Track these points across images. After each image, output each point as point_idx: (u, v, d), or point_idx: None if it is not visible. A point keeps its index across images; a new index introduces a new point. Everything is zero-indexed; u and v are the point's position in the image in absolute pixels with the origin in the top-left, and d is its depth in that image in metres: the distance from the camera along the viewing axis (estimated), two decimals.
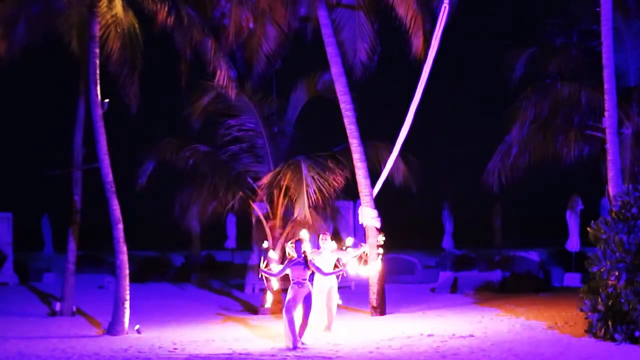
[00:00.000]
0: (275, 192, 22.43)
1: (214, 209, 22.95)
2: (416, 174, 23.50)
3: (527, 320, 19.43)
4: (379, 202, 21.70)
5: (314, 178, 21.37)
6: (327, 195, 21.55)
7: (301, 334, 16.75)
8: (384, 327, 18.96)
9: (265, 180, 22.18)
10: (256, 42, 22.95)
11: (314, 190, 21.24)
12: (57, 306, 22.25)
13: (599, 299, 16.38)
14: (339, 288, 19.04)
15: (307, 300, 16.74)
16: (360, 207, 21.68)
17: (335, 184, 21.72)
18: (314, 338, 17.24)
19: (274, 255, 18.20)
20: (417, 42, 21.58)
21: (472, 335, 17.51)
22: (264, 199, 22.63)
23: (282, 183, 21.92)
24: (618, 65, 21.05)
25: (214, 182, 22.59)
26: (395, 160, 21.90)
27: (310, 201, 21.22)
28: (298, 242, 17.05)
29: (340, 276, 18.44)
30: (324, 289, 18.48)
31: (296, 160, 21.99)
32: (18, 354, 16.51)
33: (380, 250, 19.81)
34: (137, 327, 19.03)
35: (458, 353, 15.72)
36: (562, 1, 23.43)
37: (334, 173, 21.83)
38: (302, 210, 21.18)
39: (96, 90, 19.19)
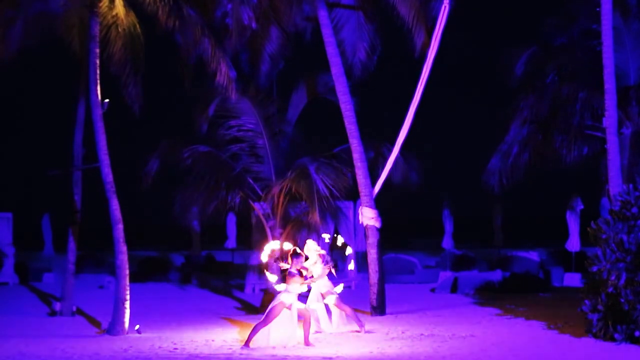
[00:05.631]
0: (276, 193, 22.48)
1: (214, 209, 22.98)
2: (416, 173, 23.53)
3: (527, 320, 19.43)
4: (379, 202, 21.72)
5: (322, 181, 21.45)
6: (336, 196, 21.65)
7: (306, 335, 16.82)
8: (384, 327, 18.96)
9: (277, 189, 22.20)
10: (260, 43, 22.98)
11: (325, 193, 21.33)
12: (57, 306, 22.24)
13: (599, 299, 16.38)
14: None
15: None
16: (360, 207, 21.70)
17: (343, 184, 21.79)
18: (315, 338, 17.26)
19: (273, 278, 17.91)
20: (421, 40, 21.59)
21: (472, 335, 17.50)
22: (266, 199, 22.67)
23: (292, 189, 21.99)
24: (618, 64, 21.05)
25: (214, 182, 22.62)
26: (395, 160, 21.91)
27: (321, 205, 21.32)
28: (297, 257, 17.23)
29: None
30: (319, 295, 18.48)
31: (302, 162, 22.05)
32: (18, 353, 16.50)
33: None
34: (137, 327, 19.02)
35: (458, 353, 15.71)
36: (561, 0, 23.43)
37: (341, 173, 21.90)
38: (313, 215, 21.29)
39: (96, 90, 19.18)
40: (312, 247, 18.36)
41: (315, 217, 21.41)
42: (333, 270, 18.56)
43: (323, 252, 18.49)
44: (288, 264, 17.29)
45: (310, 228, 21.41)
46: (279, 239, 22.44)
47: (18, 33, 19.97)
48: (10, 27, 19.90)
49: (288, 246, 17.93)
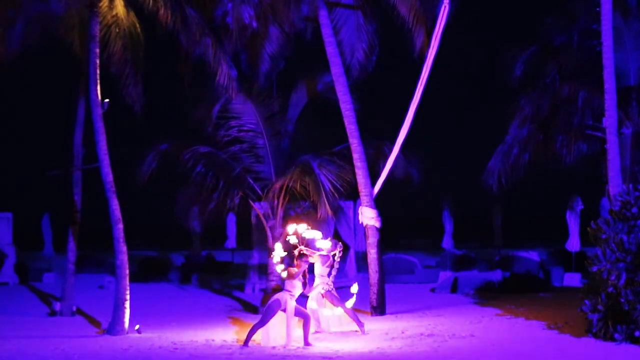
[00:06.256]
0: (276, 192, 22.48)
1: (214, 209, 22.99)
2: (417, 173, 23.55)
3: (527, 320, 19.43)
4: (379, 202, 21.72)
5: (326, 176, 21.50)
6: (340, 191, 21.70)
7: (306, 335, 16.83)
8: (384, 327, 18.96)
9: (278, 185, 22.21)
10: (259, 43, 22.98)
11: (330, 188, 21.38)
12: (57, 306, 22.25)
13: (599, 299, 16.38)
14: (338, 288, 19.01)
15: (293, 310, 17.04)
16: (360, 207, 21.70)
17: (346, 180, 21.85)
18: (315, 338, 17.25)
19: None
20: (420, 40, 21.59)
21: (472, 335, 17.50)
22: (267, 197, 22.69)
23: (295, 187, 21.99)
24: (618, 65, 21.05)
25: (214, 182, 22.63)
26: (396, 160, 21.91)
27: (328, 199, 21.36)
28: (301, 258, 17.21)
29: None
30: (319, 295, 18.48)
31: (304, 159, 22.09)
32: (18, 353, 16.50)
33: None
34: (137, 327, 19.03)
35: (458, 353, 15.72)
36: (561, 0, 23.44)
37: (343, 170, 21.94)
38: (324, 209, 21.29)
39: (96, 90, 19.19)
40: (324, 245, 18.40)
41: (328, 210, 21.43)
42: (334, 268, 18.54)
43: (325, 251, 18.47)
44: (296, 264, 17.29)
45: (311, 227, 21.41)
46: (278, 239, 22.52)
47: (18, 33, 20.00)
48: (11, 27, 19.92)
49: (294, 240, 17.89)
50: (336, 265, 18.52)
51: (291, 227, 18.05)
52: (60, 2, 20.34)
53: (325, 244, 18.41)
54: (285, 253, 17.67)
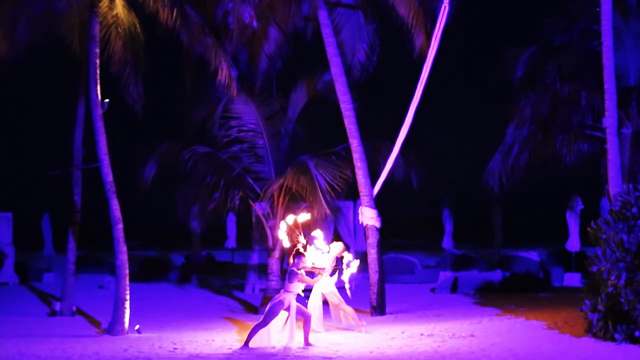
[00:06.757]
0: (275, 192, 22.48)
1: (214, 209, 23.00)
2: (417, 173, 23.56)
3: (527, 320, 19.42)
4: (379, 202, 21.73)
5: (323, 176, 21.51)
6: (337, 191, 21.70)
7: (306, 335, 16.81)
8: (384, 327, 18.96)
9: (276, 186, 22.22)
10: (258, 43, 22.98)
11: (326, 187, 21.39)
12: (57, 306, 22.26)
13: (599, 299, 16.37)
14: (340, 288, 19.01)
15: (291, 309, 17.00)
16: (360, 207, 21.70)
17: (343, 179, 21.85)
18: (315, 338, 17.25)
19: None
20: (419, 41, 21.60)
21: (472, 335, 17.50)
22: (264, 197, 22.69)
23: (292, 187, 21.99)
24: (618, 65, 21.05)
25: (214, 182, 22.63)
26: (396, 160, 21.91)
27: (325, 198, 21.36)
28: (298, 256, 17.17)
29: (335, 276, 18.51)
30: (320, 295, 18.48)
31: (301, 160, 22.09)
32: (18, 353, 16.50)
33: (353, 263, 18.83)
34: (137, 327, 19.03)
35: (458, 353, 15.71)
36: (562, 1, 23.45)
37: (340, 169, 21.94)
38: (321, 209, 21.31)
39: (96, 90, 19.19)
40: (319, 237, 18.40)
41: (325, 209, 21.44)
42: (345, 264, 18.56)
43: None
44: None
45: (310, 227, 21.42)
46: (279, 239, 22.55)
47: (21, 32, 20.00)
48: (14, 26, 19.92)
49: (304, 217, 18.01)
50: (346, 267, 18.52)
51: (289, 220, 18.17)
52: (62, 1, 20.32)
53: (335, 247, 18.42)
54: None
